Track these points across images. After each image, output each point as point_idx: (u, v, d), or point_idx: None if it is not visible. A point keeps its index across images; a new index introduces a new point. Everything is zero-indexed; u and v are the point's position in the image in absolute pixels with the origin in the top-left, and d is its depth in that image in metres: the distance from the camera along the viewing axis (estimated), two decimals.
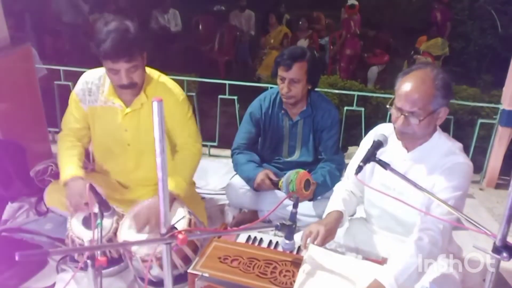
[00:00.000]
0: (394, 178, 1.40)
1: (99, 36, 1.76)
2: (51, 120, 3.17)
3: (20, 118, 2.67)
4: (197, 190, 2.48)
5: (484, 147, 3.23)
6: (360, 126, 3.33)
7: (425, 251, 1.43)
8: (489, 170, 3.18)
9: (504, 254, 1.02)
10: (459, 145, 1.60)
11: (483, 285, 1.14)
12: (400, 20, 8.30)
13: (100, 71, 1.99)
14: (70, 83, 3.26)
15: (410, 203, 1.33)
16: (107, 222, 1.86)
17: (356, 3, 6.64)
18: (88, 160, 2.24)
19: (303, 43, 6.42)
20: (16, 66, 2.67)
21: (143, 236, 1.78)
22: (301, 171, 2.06)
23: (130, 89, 1.89)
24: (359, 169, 1.39)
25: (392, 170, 1.35)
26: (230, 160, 2.43)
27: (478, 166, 3.16)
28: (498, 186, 3.18)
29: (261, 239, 1.75)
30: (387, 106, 1.60)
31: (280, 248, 1.67)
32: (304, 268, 1.50)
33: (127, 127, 2.01)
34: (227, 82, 3.34)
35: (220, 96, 3.37)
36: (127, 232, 1.82)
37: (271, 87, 2.72)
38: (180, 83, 2.16)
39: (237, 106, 3.35)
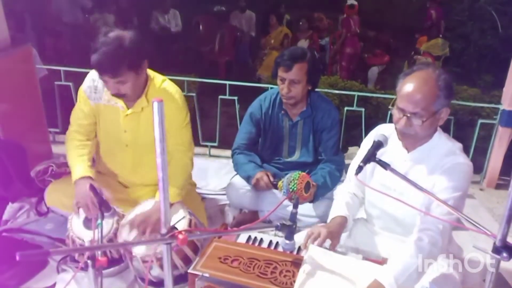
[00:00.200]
0: (395, 179, 1.40)
1: (94, 45, 1.77)
2: (51, 120, 3.17)
3: (20, 118, 2.67)
4: (197, 190, 2.48)
5: (484, 147, 3.22)
6: (361, 127, 3.33)
7: (425, 251, 1.43)
8: (489, 171, 3.18)
9: (504, 254, 1.02)
10: (459, 145, 1.60)
11: (483, 285, 1.15)
12: (400, 20, 8.30)
13: None
14: (70, 84, 3.27)
15: (411, 203, 1.33)
16: (108, 223, 1.86)
17: (356, 3, 6.63)
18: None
19: (303, 43, 6.42)
20: (17, 67, 2.67)
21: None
22: (302, 172, 2.06)
23: (122, 98, 1.90)
24: (359, 169, 1.39)
25: (392, 170, 1.35)
26: (230, 161, 2.43)
27: (478, 166, 3.16)
28: (498, 187, 3.17)
29: (261, 239, 1.75)
30: (389, 107, 1.59)
31: (280, 249, 1.67)
32: (304, 268, 1.50)
33: (126, 128, 2.01)
34: (227, 82, 3.33)
35: (220, 97, 3.37)
36: (127, 233, 1.83)
37: (271, 88, 2.72)
38: (180, 83, 2.16)
39: (237, 106, 3.35)
